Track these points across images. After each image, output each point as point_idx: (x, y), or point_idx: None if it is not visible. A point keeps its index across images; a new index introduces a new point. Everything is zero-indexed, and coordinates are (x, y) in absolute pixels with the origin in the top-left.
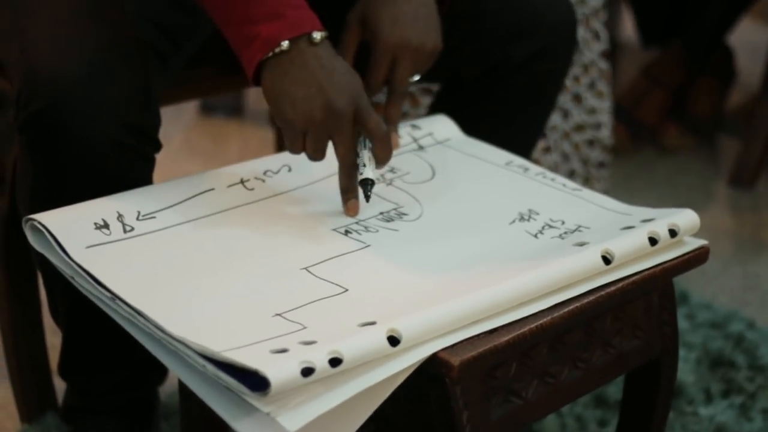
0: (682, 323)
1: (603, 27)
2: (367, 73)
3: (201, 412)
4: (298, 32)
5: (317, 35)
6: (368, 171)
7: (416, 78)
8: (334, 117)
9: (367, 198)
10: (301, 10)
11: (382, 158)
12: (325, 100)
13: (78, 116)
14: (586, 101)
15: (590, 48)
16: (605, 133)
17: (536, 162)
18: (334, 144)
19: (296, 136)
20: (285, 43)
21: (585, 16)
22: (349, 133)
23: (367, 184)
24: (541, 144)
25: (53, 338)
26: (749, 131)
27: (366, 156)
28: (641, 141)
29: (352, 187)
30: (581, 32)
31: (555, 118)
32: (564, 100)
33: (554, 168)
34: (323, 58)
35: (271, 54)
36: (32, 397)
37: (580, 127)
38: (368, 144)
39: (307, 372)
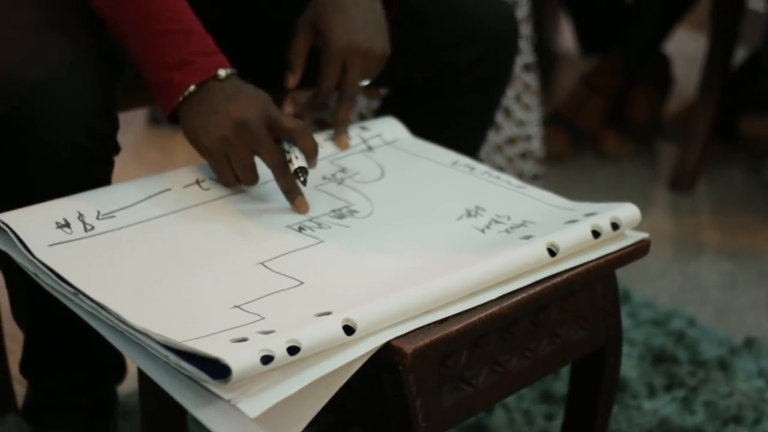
0: (625, 321)
1: (526, 40)
2: (319, 78)
3: (160, 409)
4: (206, 76)
5: (223, 73)
6: (299, 161)
7: (366, 83)
8: (246, 129)
9: (304, 182)
10: (209, 56)
11: (307, 150)
12: (232, 118)
13: (41, 120)
14: (515, 114)
15: (516, 63)
16: (536, 145)
17: None
18: (260, 155)
19: (221, 162)
20: (192, 87)
21: None
22: (267, 140)
23: (299, 173)
24: None
25: (11, 344)
26: (686, 137)
27: (294, 152)
28: (581, 148)
29: (292, 186)
30: None
31: None
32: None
33: None
34: (227, 89)
35: (182, 98)
36: None
37: (511, 140)
38: (287, 141)
39: (267, 360)
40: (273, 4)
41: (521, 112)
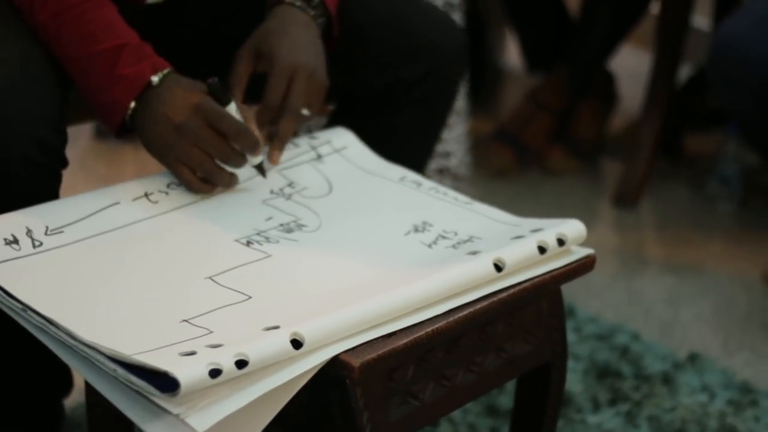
0: (570, 336)
1: None
2: (264, 93)
3: (108, 422)
4: (140, 88)
5: (156, 78)
6: (252, 159)
7: (306, 112)
8: (186, 131)
9: (263, 174)
10: (140, 64)
11: (248, 148)
12: (171, 124)
13: None
14: None
15: None
16: (454, 162)
17: None
18: (208, 153)
19: (177, 169)
20: (132, 104)
21: None
22: (210, 137)
23: (259, 166)
24: None
25: None
26: (631, 153)
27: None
28: (527, 164)
29: (240, 161)
30: None
31: None
32: None
33: None
34: (162, 93)
35: (126, 117)
36: None
37: None
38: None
39: (215, 373)
40: (223, 19)
41: None
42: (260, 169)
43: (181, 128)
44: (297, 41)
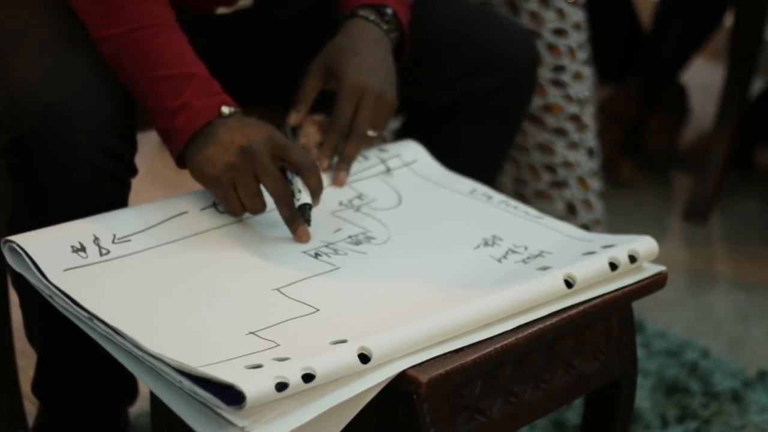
0: (639, 351)
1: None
2: (333, 116)
3: (172, 431)
4: (209, 118)
5: (227, 110)
6: (304, 197)
7: (374, 134)
8: (251, 156)
9: (308, 222)
10: (211, 97)
11: (313, 188)
12: (237, 146)
13: (59, 141)
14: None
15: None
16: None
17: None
18: (264, 183)
19: (227, 192)
20: (197, 128)
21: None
22: (272, 168)
23: (305, 208)
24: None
25: (22, 361)
26: (702, 167)
27: (299, 183)
28: None
29: (294, 216)
30: (590, 71)
31: (578, 156)
32: (584, 138)
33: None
34: (231, 122)
35: (187, 141)
36: (2, 418)
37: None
38: (294, 174)
39: (281, 387)
40: (282, 36)
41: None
42: (307, 212)
43: (247, 152)
44: (367, 61)
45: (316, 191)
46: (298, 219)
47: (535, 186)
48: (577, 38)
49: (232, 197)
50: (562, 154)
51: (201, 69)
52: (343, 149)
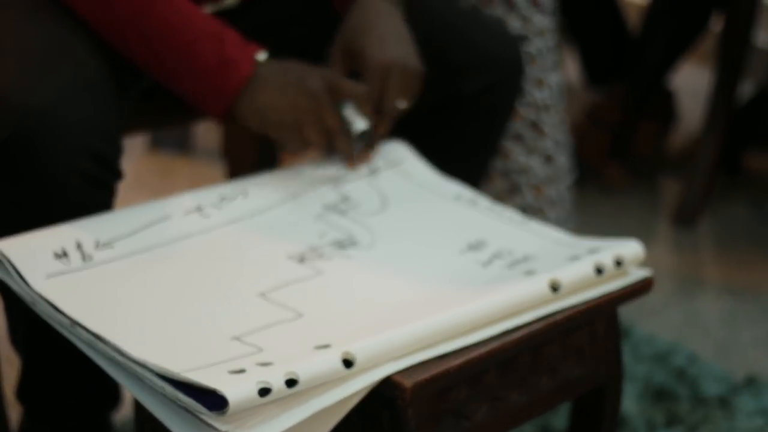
0: (625, 356)
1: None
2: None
3: None
4: (250, 68)
5: (261, 56)
6: (359, 124)
7: (404, 105)
8: (313, 95)
9: (370, 145)
10: (243, 48)
11: (367, 112)
12: (297, 88)
13: (44, 145)
14: (563, 146)
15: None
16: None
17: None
18: (324, 118)
19: (293, 134)
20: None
21: (554, 63)
22: (330, 104)
23: (365, 134)
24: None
25: (7, 368)
26: (690, 171)
27: (350, 113)
28: (584, 180)
29: (350, 150)
30: (557, 78)
31: (533, 161)
32: (544, 145)
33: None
34: (274, 67)
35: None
36: None
37: (565, 173)
38: (347, 105)
39: (264, 392)
40: (294, 21)
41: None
42: (367, 137)
43: (310, 92)
44: (385, 34)
45: (368, 116)
46: (352, 153)
47: (491, 191)
48: (539, 45)
49: (298, 137)
50: (517, 161)
51: (223, 25)
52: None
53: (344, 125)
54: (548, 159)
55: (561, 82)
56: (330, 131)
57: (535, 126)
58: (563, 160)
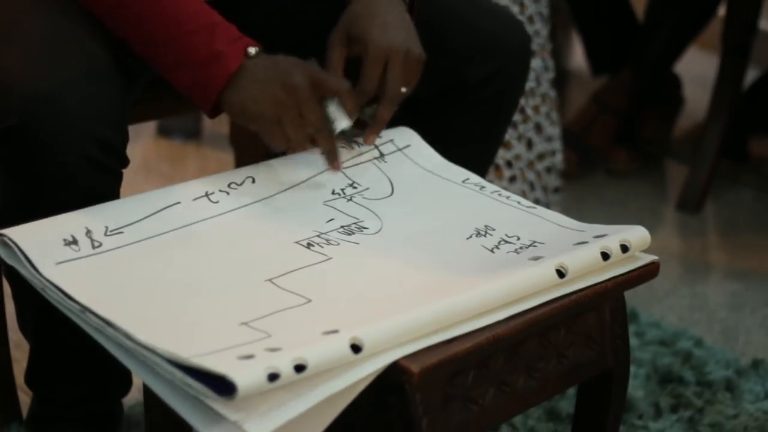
0: (632, 341)
1: (550, 57)
2: (360, 80)
3: (166, 421)
4: (239, 62)
5: (252, 50)
6: (341, 123)
7: (405, 90)
8: (295, 90)
9: (351, 145)
10: (236, 42)
11: (350, 109)
12: (279, 81)
13: (50, 132)
14: (545, 130)
15: (545, 79)
16: (558, 158)
17: None
18: (305, 115)
19: (272, 127)
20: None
21: (540, 47)
22: (312, 100)
23: (345, 132)
24: (506, 173)
25: (16, 352)
26: (697, 157)
27: (333, 111)
28: (591, 166)
29: (332, 149)
30: (537, 63)
31: (519, 148)
32: (526, 129)
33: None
34: (262, 61)
35: (224, 87)
36: None
37: (541, 156)
38: (331, 102)
39: (273, 377)
40: (302, 8)
41: (550, 127)
42: (348, 135)
43: (291, 86)
44: (387, 21)
45: (352, 114)
46: (335, 151)
47: (499, 184)
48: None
49: (278, 131)
50: (515, 148)
51: (219, 17)
52: (375, 112)
53: (327, 122)
54: (528, 143)
55: (551, 68)
56: (311, 127)
57: (522, 110)
58: (544, 145)
